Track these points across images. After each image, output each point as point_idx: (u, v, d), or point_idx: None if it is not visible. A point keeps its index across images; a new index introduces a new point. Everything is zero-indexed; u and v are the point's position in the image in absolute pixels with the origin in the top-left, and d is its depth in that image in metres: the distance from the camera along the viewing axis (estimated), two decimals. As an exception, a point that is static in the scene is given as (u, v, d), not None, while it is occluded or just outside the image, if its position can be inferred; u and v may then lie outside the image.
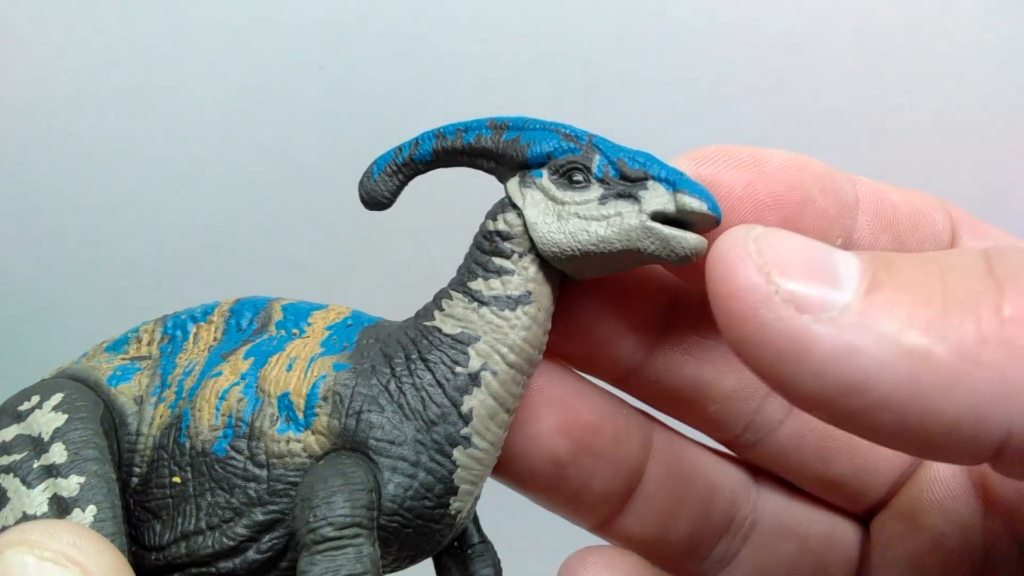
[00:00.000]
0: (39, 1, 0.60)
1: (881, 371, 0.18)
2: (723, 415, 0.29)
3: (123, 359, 0.28)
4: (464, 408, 0.24)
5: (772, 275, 0.19)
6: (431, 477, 0.24)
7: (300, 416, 0.24)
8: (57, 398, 0.25)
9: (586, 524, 0.30)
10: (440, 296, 0.26)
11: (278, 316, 0.27)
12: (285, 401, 0.25)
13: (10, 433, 0.25)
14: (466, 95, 0.59)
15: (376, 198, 0.27)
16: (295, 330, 0.27)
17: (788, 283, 0.19)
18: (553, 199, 0.25)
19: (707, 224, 0.24)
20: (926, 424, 0.18)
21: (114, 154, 0.63)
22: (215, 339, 0.27)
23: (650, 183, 0.24)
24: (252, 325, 0.27)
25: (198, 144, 0.62)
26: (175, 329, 0.28)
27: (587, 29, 0.57)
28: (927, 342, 0.18)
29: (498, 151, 0.26)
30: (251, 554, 0.24)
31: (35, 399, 0.25)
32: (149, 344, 0.28)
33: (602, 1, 0.57)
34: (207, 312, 0.28)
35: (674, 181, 0.23)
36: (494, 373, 0.25)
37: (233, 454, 0.24)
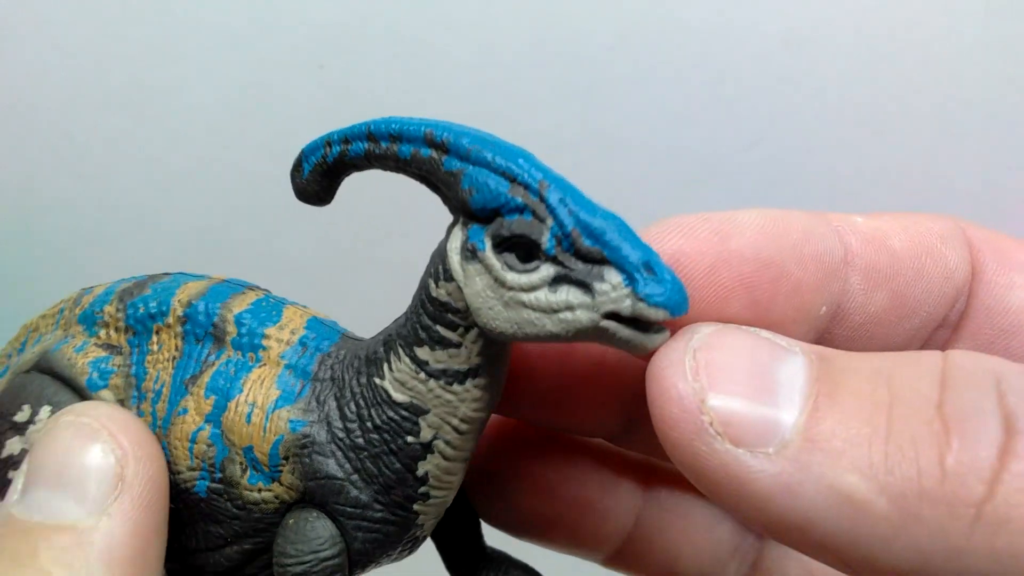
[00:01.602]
0: (39, 1, 0.60)
1: (819, 515, 0.17)
2: None
3: (96, 345, 0.27)
4: (419, 472, 0.24)
5: (706, 401, 0.18)
6: (394, 527, 0.25)
7: (266, 469, 0.25)
8: (47, 411, 0.26)
9: (591, 559, 0.31)
10: (389, 348, 0.24)
11: (232, 332, 0.26)
12: (251, 455, 0.25)
13: (16, 446, 0.26)
14: (466, 95, 0.59)
15: (310, 197, 0.25)
16: (251, 354, 0.26)
17: (723, 406, 0.18)
18: (498, 280, 0.21)
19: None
20: (869, 569, 0.18)
21: (114, 154, 0.63)
22: (177, 350, 0.26)
23: (607, 271, 0.20)
24: (208, 341, 0.26)
25: (198, 144, 0.62)
26: (136, 323, 0.27)
27: (587, 29, 0.57)
28: (866, 490, 0.17)
29: (437, 179, 0.23)
30: (248, 569, 0.26)
31: (27, 409, 0.26)
32: (116, 331, 0.27)
33: (602, 1, 0.57)
34: (163, 310, 0.27)
35: (633, 272, 0.20)
36: (446, 441, 0.24)
37: (214, 496, 0.25)
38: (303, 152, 0.24)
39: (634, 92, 0.58)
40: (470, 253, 0.22)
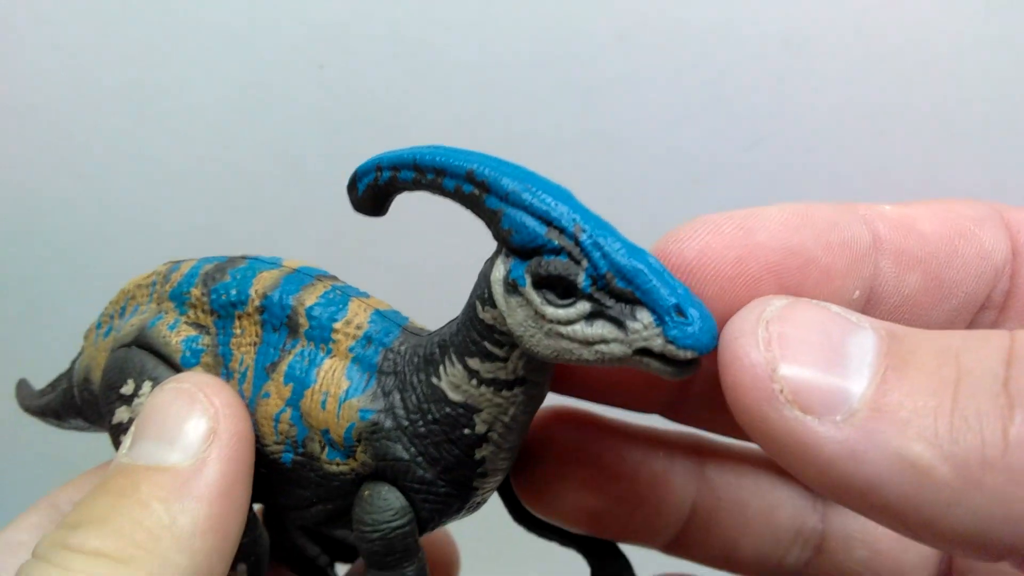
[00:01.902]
0: (39, 1, 0.60)
1: (883, 481, 0.18)
2: None
3: (187, 324, 0.30)
4: (477, 457, 0.27)
5: (778, 370, 0.19)
6: (457, 499, 0.28)
7: (342, 449, 0.28)
8: (148, 386, 0.30)
9: (649, 547, 0.31)
10: (444, 352, 0.26)
11: (304, 324, 0.28)
12: (328, 436, 0.28)
13: (124, 415, 0.30)
14: (466, 95, 0.59)
15: (366, 212, 0.27)
16: (322, 345, 0.28)
17: (794, 375, 0.19)
18: (538, 313, 0.23)
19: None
20: (929, 533, 0.18)
21: (114, 154, 0.63)
22: (257, 336, 0.29)
23: (639, 311, 0.22)
24: (284, 331, 0.29)
25: (198, 144, 0.62)
26: (220, 308, 0.30)
27: (587, 29, 0.57)
28: (930, 458, 0.18)
29: (481, 215, 0.24)
30: (332, 525, 0.30)
31: (131, 383, 0.30)
32: (203, 312, 0.30)
33: (602, 1, 0.57)
34: (242, 299, 0.29)
35: (663, 315, 0.21)
36: (499, 433, 0.27)
37: (298, 467, 0.29)
38: (357, 172, 0.26)
39: (634, 92, 0.58)
40: (512, 287, 0.23)
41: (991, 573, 0.28)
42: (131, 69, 0.61)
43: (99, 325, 0.34)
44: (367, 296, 0.30)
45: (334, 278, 0.30)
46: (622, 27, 0.57)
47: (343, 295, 0.29)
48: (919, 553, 0.30)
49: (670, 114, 0.58)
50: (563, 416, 0.30)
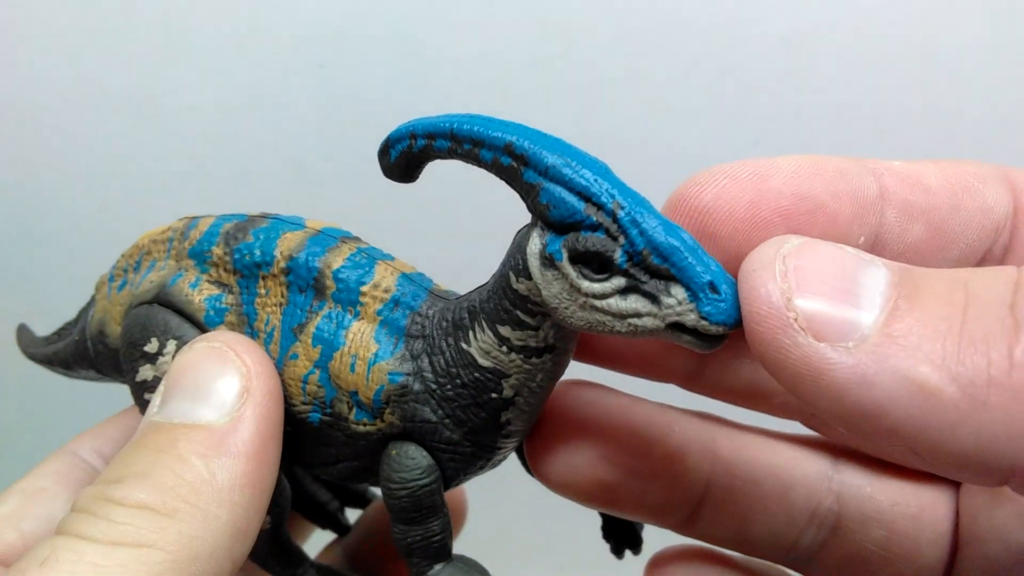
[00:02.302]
0: (39, 1, 0.60)
1: (892, 403, 0.18)
2: (790, 404, 0.29)
3: (209, 282, 0.30)
4: (502, 420, 0.27)
5: (793, 300, 0.20)
6: (481, 459, 0.28)
7: (370, 410, 0.28)
8: (173, 345, 0.30)
9: (662, 526, 0.31)
10: (474, 318, 0.27)
11: (332, 287, 0.28)
12: (356, 398, 0.28)
13: (148, 373, 0.30)
14: (466, 94, 0.59)
15: (396, 178, 0.27)
16: (350, 308, 0.28)
17: (808, 306, 0.20)
18: (574, 287, 0.23)
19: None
20: (935, 455, 0.19)
21: (114, 154, 0.63)
22: (283, 297, 0.29)
23: (674, 287, 0.22)
24: (310, 292, 0.29)
25: (198, 143, 0.62)
26: (243, 268, 0.30)
27: (587, 29, 0.57)
28: (938, 379, 0.18)
29: (516, 186, 0.24)
30: (358, 480, 0.31)
31: (155, 342, 0.30)
32: (226, 271, 0.30)
33: (602, 1, 0.57)
34: (267, 260, 0.29)
35: (698, 291, 0.22)
36: (525, 398, 0.27)
37: (326, 426, 0.29)
38: (389, 139, 0.26)
39: (634, 92, 0.58)
40: (548, 261, 0.24)
41: (999, 543, 0.28)
42: (131, 69, 0.61)
43: (112, 278, 0.34)
44: (392, 259, 0.30)
45: (358, 239, 0.30)
46: (622, 27, 0.57)
47: (369, 258, 0.29)
48: (935, 531, 0.30)
49: (670, 114, 0.58)
50: (579, 389, 0.30)
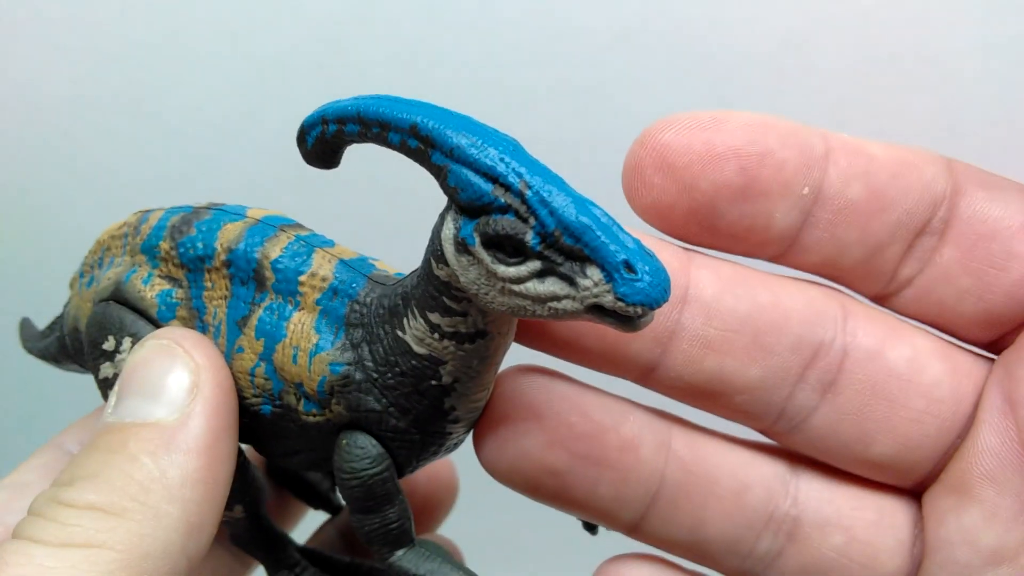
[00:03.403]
0: (39, 1, 0.60)
1: None
2: (752, 405, 0.29)
3: (160, 277, 0.30)
4: (446, 405, 0.27)
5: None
6: (433, 444, 0.28)
7: (316, 401, 0.28)
8: (128, 342, 0.30)
9: (614, 528, 0.30)
10: (407, 305, 0.26)
11: (271, 278, 0.28)
12: (302, 389, 0.28)
13: (109, 370, 0.30)
14: (466, 95, 0.59)
15: (316, 164, 0.26)
16: (290, 299, 0.28)
17: None
18: (490, 271, 0.23)
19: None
20: None
21: (114, 154, 0.63)
22: (227, 289, 0.29)
23: (589, 268, 0.22)
24: (252, 284, 0.29)
25: (198, 144, 0.62)
26: (188, 262, 0.30)
27: (587, 29, 0.57)
28: None
29: (428, 169, 0.24)
30: (318, 469, 0.31)
31: (112, 340, 0.30)
32: (174, 266, 0.30)
33: (602, 1, 0.57)
34: (208, 254, 0.29)
35: (612, 272, 0.21)
36: (465, 384, 0.27)
37: (277, 418, 0.29)
38: (303, 126, 0.25)
39: (634, 92, 0.58)
40: (462, 246, 0.23)
41: (955, 546, 0.28)
42: (131, 69, 0.61)
43: (81, 275, 0.35)
44: (332, 245, 0.29)
45: (299, 226, 0.30)
46: (622, 27, 0.57)
47: (307, 246, 0.29)
48: (895, 537, 0.29)
49: (670, 114, 0.58)
50: (528, 374, 0.30)
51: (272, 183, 0.62)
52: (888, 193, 0.28)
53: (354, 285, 0.28)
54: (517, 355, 0.29)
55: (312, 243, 0.29)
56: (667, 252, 0.28)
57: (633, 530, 0.30)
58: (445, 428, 0.28)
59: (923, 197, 0.28)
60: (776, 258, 0.29)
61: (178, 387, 0.26)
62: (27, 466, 0.32)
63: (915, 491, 0.30)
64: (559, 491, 0.29)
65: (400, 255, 0.59)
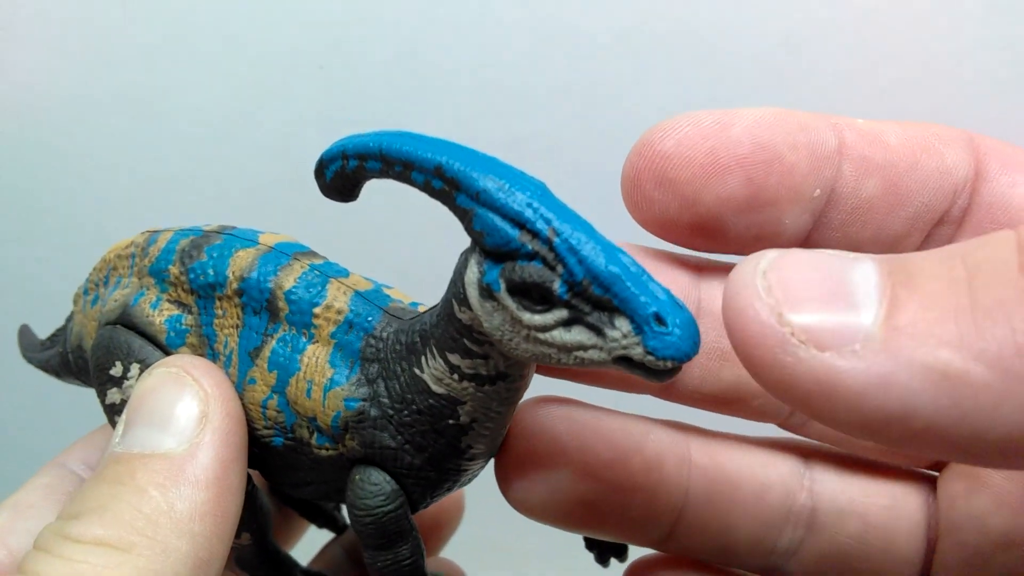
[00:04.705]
0: (39, 1, 0.60)
1: (917, 400, 0.17)
2: (769, 407, 0.29)
3: (169, 302, 0.30)
4: (463, 444, 0.27)
5: (784, 315, 0.18)
6: (447, 481, 0.28)
7: (330, 435, 0.27)
8: (136, 368, 0.29)
9: (643, 545, 0.30)
10: (425, 343, 0.25)
11: (284, 309, 0.28)
12: (315, 423, 0.27)
13: (116, 396, 0.30)
14: (466, 95, 0.59)
15: (335, 198, 0.26)
16: (304, 331, 0.28)
17: (803, 319, 0.18)
18: (515, 318, 0.22)
19: None
20: (979, 446, 0.17)
21: (114, 154, 0.63)
22: (239, 319, 0.28)
23: (618, 319, 0.21)
24: (265, 315, 0.28)
25: (198, 144, 0.62)
26: (199, 288, 0.29)
27: (587, 30, 0.57)
28: (961, 361, 0.17)
29: (451, 210, 0.23)
30: (329, 500, 0.30)
31: (119, 365, 0.30)
32: (184, 291, 0.29)
33: (602, 2, 0.57)
34: (220, 281, 0.28)
35: (642, 324, 0.21)
36: (483, 423, 0.26)
37: (289, 450, 0.28)
38: (323, 159, 0.24)
39: (634, 92, 0.58)
40: (486, 292, 0.22)
41: (972, 533, 0.28)
42: (130, 70, 0.61)
43: (86, 292, 0.34)
44: (347, 275, 0.29)
45: (312, 254, 0.29)
46: (622, 27, 0.57)
47: (322, 276, 0.28)
48: (910, 520, 0.29)
49: (670, 114, 0.58)
50: (547, 406, 0.29)
51: (272, 183, 0.62)
52: (905, 186, 0.26)
53: (370, 319, 0.27)
54: (535, 382, 0.29)
55: (327, 273, 0.28)
56: (674, 272, 0.28)
57: (662, 544, 0.30)
58: (461, 465, 0.27)
59: (943, 186, 0.26)
60: None
61: (187, 417, 0.26)
62: (30, 486, 0.32)
63: (929, 475, 0.30)
64: (591, 520, 0.29)
65: (400, 256, 0.58)
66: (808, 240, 0.27)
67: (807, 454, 0.31)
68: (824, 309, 0.18)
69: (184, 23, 0.59)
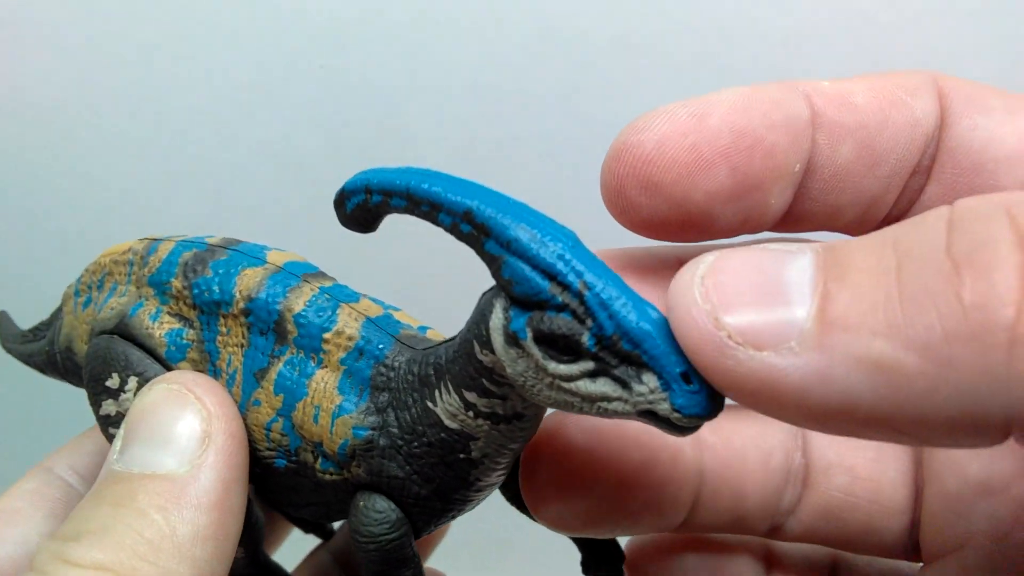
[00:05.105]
0: (39, 1, 0.60)
1: (858, 391, 0.17)
2: None
3: (169, 315, 0.29)
4: (472, 477, 0.26)
5: (720, 318, 0.18)
6: (452, 510, 0.28)
7: (335, 461, 0.27)
8: (134, 381, 0.29)
9: (670, 530, 0.30)
10: (440, 378, 0.25)
11: (293, 332, 0.27)
12: (321, 448, 0.27)
13: (111, 408, 0.29)
14: (466, 95, 0.59)
15: (354, 229, 0.25)
16: (313, 355, 0.27)
17: (738, 320, 0.18)
18: (540, 367, 0.22)
19: None
20: (921, 430, 0.17)
21: (114, 154, 0.63)
22: (244, 338, 0.28)
23: (645, 374, 0.21)
24: (272, 336, 0.28)
25: (199, 143, 0.62)
26: (203, 305, 0.28)
27: (587, 29, 0.57)
28: (893, 351, 0.17)
29: (478, 254, 0.23)
30: (330, 521, 0.30)
31: (116, 377, 0.29)
32: (186, 305, 0.29)
33: (602, 1, 0.57)
34: (226, 299, 0.28)
35: (671, 381, 0.21)
36: (495, 458, 0.26)
37: (291, 472, 0.28)
38: (345, 191, 0.24)
39: (634, 92, 0.58)
40: (512, 339, 0.22)
41: (955, 475, 0.28)
42: (131, 69, 0.61)
43: (77, 293, 0.33)
44: (357, 299, 0.28)
45: (322, 275, 0.29)
46: (622, 27, 0.57)
47: (332, 300, 0.28)
48: (896, 469, 0.30)
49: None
50: (567, 421, 0.29)
51: (272, 183, 0.62)
52: (879, 145, 0.26)
53: (381, 346, 0.27)
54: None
55: (337, 297, 0.28)
56: (660, 279, 0.28)
57: (683, 527, 0.30)
58: (468, 496, 0.27)
59: (914, 138, 0.26)
60: (763, 230, 0.29)
61: (189, 436, 0.25)
62: (16, 492, 0.31)
63: None
64: (625, 522, 0.29)
65: (399, 255, 0.58)
66: (790, 212, 0.27)
67: None
68: (758, 309, 0.18)
69: (183, 23, 0.59)
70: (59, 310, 0.35)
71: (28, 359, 0.38)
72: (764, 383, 0.18)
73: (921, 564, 0.30)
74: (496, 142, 0.59)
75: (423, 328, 0.28)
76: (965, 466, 0.27)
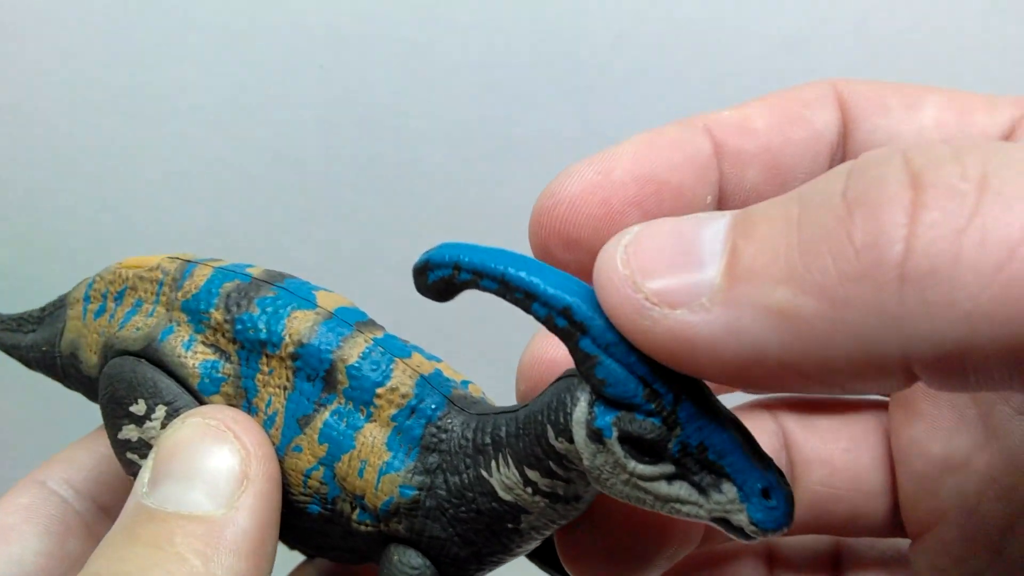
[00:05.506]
0: (39, 1, 0.60)
1: (765, 340, 0.17)
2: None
3: (204, 344, 0.28)
4: (512, 545, 0.26)
5: (638, 282, 0.19)
6: (484, 569, 0.27)
7: (374, 514, 0.27)
8: (162, 411, 0.28)
9: (686, 551, 0.30)
10: (498, 449, 0.25)
11: (344, 383, 0.27)
12: (362, 501, 0.27)
13: (133, 433, 0.28)
14: (467, 95, 0.59)
15: (433, 298, 0.24)
16: (362, 408, 0.27)
17: (655, 283, 0.19)
18: (619, 465, 0.22)
19: None
20: (827, 374, 0.17)
21: (114, 155, 0.63)
22: (288, 381, 0.27)
23: (725, 484, 0.21)
24: (319, 383, 0.27)
25: (199, 145, 0.62)
26: (246, 341, 0.28)
27: (587, 29, 0.57)
28: (792, 297, 0.17)
29: (568, 348, 0.22)
30: (356, 565, 0.30)
31: (142, 404, 0.28)
32: (224, 338, 0.28)
33: (602, 1, 0.57)
34: (273, 341, 0.27)
35: (751, 495, 0.21)
36: (542, 531, 0.26)
37: (323, 520, 0.28)
38: (429, 260, 0.23)
39: (634, 92, 0.58)
40: (595, 435, 0.22)
41: (929, 466, 0.28)
42: (130, 70, 0.61)
43: (88, 298, 0.32)
44: (409, 355, 0.28)
45: (372, 324, 0.29)
46: (622, 27, 0.57)
47: (387, 355, 0.27)
48: (871, 456, 0.30)
49: (670, 114, 0.58)
50: None
51: (272, 183, 0.62)
52: (784, 164, 0.26)
53: (434, 407, 0.27)
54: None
55: (391, 352, 0.27)
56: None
57: (706, 541, 0.30)
58: (502, 560, 0.27)
59: (819, 151, 0.27)
60: None
61: (227, 476, 0.25)
62: (9, 507, 0.30)
63: (884, 408, 0.31)
64: (661, 559, 0.28)
65: (399, 256, 0.58)
66: None
67: (773, 407, 0.31)
68: (674, 272, 0.19)
69: (183, 23, 0.59)
70: (60, 310, 0.34)
71: (11, 350, 0.36)
72: (678, 340, 0.18)
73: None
74: (496, 142, 0.59)
75: (465, 383, 0.28)
76: (928, 445, 0.28)
